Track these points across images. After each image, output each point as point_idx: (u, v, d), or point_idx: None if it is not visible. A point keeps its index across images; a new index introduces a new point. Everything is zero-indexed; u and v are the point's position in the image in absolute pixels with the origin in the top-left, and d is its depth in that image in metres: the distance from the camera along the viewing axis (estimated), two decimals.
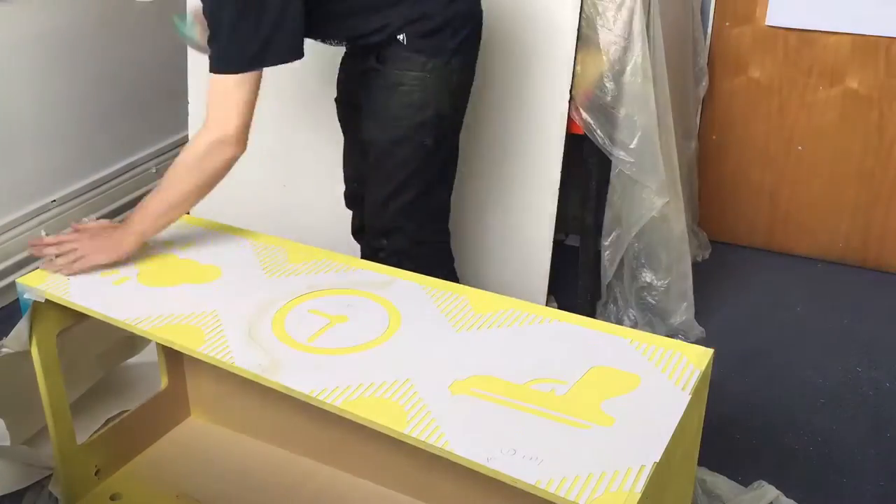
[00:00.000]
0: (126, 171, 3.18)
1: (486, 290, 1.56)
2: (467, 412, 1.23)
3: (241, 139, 1.66)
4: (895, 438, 2.16)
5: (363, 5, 1.80)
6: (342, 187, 2.56)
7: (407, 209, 1.88)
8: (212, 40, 1.64)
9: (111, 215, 3.10)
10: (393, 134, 1.83)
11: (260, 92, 2.81)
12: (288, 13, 1.63)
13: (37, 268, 1.69)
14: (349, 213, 2.64)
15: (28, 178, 2.82)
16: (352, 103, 1.98)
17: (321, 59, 2.48)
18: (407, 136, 1.82)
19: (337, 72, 2.08)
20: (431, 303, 1.51)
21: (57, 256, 1.66)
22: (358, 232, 2.13)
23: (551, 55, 2.23)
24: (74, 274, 1.64)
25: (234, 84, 1.63)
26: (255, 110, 2.76)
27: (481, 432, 1.19)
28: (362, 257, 2.01)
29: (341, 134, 2.31)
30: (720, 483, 1.93)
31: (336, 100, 2.09)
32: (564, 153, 2.28)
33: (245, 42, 1.62)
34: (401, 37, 1.78)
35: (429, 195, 1.90)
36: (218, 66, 1.64)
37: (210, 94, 1.66)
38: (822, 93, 2.81)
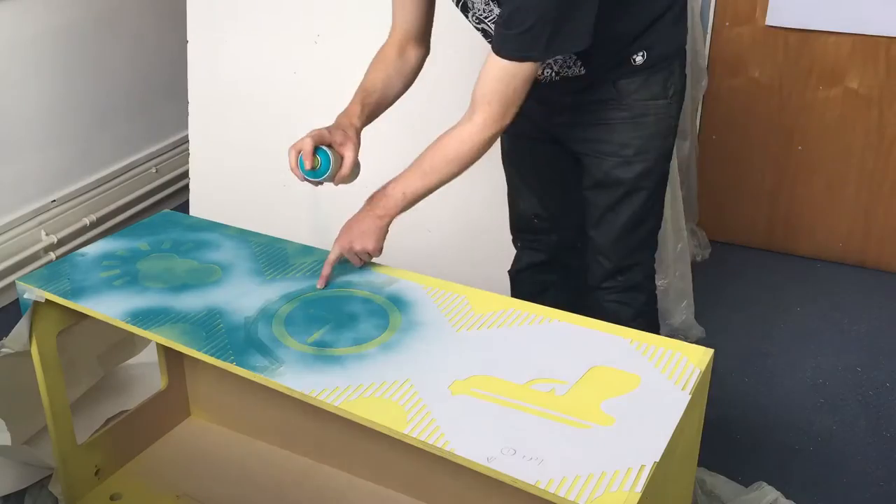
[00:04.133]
0: (126, 171, 3.18)
1: (486, 290, 1.56)
2: (467, 412, 1.23)
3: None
4: (895, 438, 2.16)
5: (636, 20, 1.65)
6: (342, 186, 2.56)
7: (646, 241, 1.83)
8: (508, 24, 1.48)
9: (111, 215, 3.10)
10: (640, 168, 1.72)
11: (260, 92, 2.82)
12: (590, 4, 1.49)
13: (37, 268, 1.69)
14: (348, 213, 2.63)
15: (28, 178, 2.82)
16: (549, 139, 1.83)
17: (322, 57, 2.49)
18: (652, 170, 1.73)
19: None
20: (431, 303, 1.51)
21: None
22: (528, 268, 2.02)
23: None
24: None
25: (523, 73, 1.51)
26: (255, 110, 2.77)
27: (481, 432, 1.19)
28: (533, 295, 1.87)
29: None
30: (720, 483, 1.93)
31: (508, 132, 1.74)
32: None
33: (549, 29, 1.46)
34: (639, 57, 1.66)
35: (659, 224, 1.84)
36: (510, 52, 1.49)
37: (491, 82, 1.53)
38: (822, 93, 2.81)
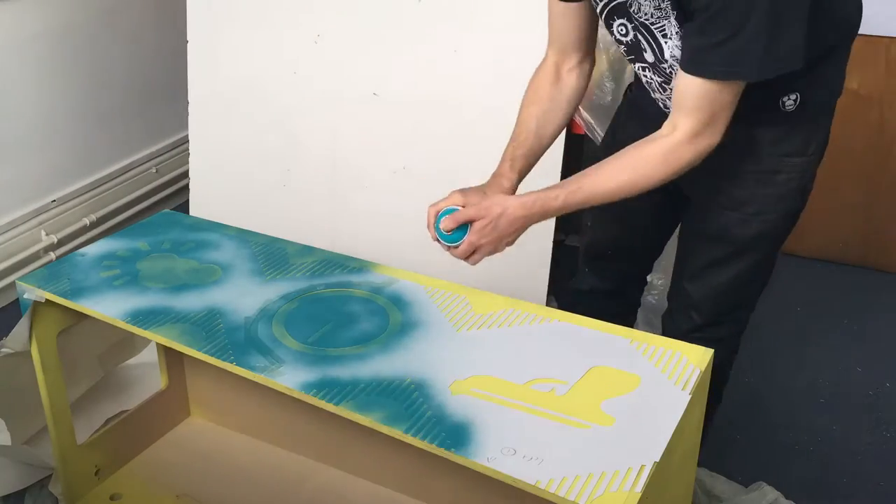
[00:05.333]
0: (126, 171, 3.18)
1: (486, 290, 1.56)
2: (467, 412, 1.23)
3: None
4: (895, 438, 2.16)
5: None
6: (341, 187, 2.56)
7: (746, 303, 1.70)
8: (718, 41, 1.29)
9: (111, 215, 3.10)
10: (757, 228, 1.55)
11: (260, 92, 2.81)
12: (802, 22, 1.31)
13: (37, 268, 1.69)
14: (348, 212, 2.63)
15: (28, 178, 2.82)
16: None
17: (322, 57, 2.49)
18: (770, 232, 1.57)
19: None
20: (432, 303, 1.51)
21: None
22: (591, 293, 1.89)
23: None
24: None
25: (733, 93, 1.35)
26: (255, 111, 2.77)
27: (481, 432, 1.19)
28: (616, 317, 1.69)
29: (346, 134, 2.30)
30: (720, 483, 1.93)
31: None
32: (564, 153, 2.28)
33: (763, 39, 1.28)
34: (789, 101, 1.47)
35: (764, 285, 1.69)
36: (726, 72, 1.32)
37: (699, 99, 1.35)
38: None
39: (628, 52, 1.51)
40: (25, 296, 1.61)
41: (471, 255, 1.52)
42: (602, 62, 2.22)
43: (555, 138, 1.61)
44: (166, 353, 1.95)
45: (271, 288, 1.58)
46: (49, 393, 1.70)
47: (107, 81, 3.06)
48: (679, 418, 1.21)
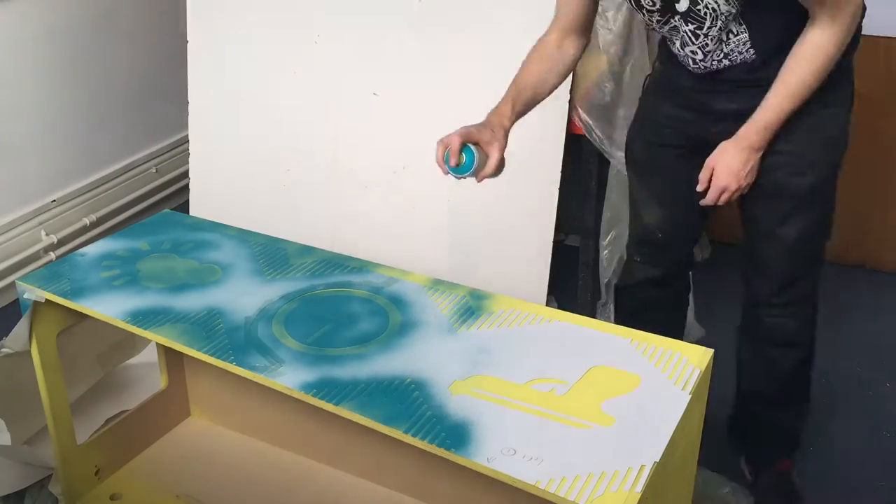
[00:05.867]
0: (126, 171, 3.18)
1: (486, 290, 1.56)
2: (467, 412, 1.23)
3: None
4: (895, 438, 2.16)
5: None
6: (341, 187, 2.56)
7: (817, 256, 1.81)
8: None
9: (111, 215, 3.10)
10: (812, 179, 1.66)
11: (260, 92, 2.82)
12: None
13: (37, 268, 1.69)
14: (348, 212, 2.63)
15: (28, 178, 2.82)
16: (696, 149, 1.72)
17: (323, 57, 2.49)
18: (825, 181, 1.69)
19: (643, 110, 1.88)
20: (432, 303, 1.51)
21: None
22: (643, 283, 1.98)
23: None
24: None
25: None
26: (255, 110, 2.76)
27: (481, 432, 1.19)
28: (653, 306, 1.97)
29: (347, 134, 2.31)
30: (720, 483, 1.93)
31: (648, 141, 1.85)
32: (564, 153, 2.28)
33: None
34: None
35: (829, 237, 1.79)
36: None
37: None
38: None
39: (662, 13, 1.61)
40: (25, 296, 1.61)
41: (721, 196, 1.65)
42: (602, 63, 2.22)
43: (546, 97, 1.76)
44: (166, 353, 1.95)
45: (271, 288, 1.58)
46: (49, 393, 1.70)
47: (107, 81, 3.06)
48: (679, 418, 1.21)
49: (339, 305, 1.52)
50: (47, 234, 2.86)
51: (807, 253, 1.78)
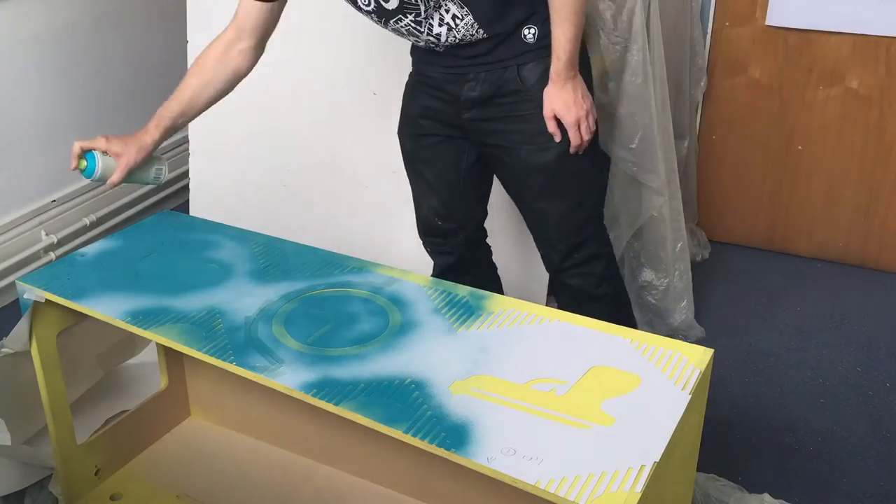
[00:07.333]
0: None
1: (485, 290, 1.56)
2: (467, 412, 1.23)
3: None
4: (895, 438, 2.16)
5: None
6: (341, 187, 2.56)
7: (591, 217, 1.88)
8: None
9: (111, 215, 3.10)
10: (556, 151, 1.75)
11: (260, 93, 2.81)
12: None
13: (37, 268, 1.69)
14: (348, 212, 2.64)
15: (28, 178, 2.82)
16: (455, 135, 1.85)
17: (322, 57, 2.49)
18: (567, 151, 1.75)
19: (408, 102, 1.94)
20: (431, 303, 1.51)
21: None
22: (446, 273, 2.01)
23: None
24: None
25: None
26: (255, 111, 2.76)
27: (481, 432, 1.19)
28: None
29: (346, 134, 2.31)
30: (719, 484, 1.93)
31: (411, 134, 1.93)
32: None
33: None
34: (528, 34, 1.71)
35: (602, 198, 1.86)
36: None
37: None
38: (822, 93, 2.81)
39: (378, 14, 1.68)
40: (25, 296, 1.61)
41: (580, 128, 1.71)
42: (602, 62, 2.22)
43: (205, 110, 1.81)
44: (166, 353, 1.95)
45: (271, 288, 1.58)
46: (49, 393, 1.70)
47: (108, 81, 3.06)
48: (679, 418, 1.21)
49: (339, 305, 1.52)
50: (47, 234, 2.86)
51: (577, 221, 1.84)
